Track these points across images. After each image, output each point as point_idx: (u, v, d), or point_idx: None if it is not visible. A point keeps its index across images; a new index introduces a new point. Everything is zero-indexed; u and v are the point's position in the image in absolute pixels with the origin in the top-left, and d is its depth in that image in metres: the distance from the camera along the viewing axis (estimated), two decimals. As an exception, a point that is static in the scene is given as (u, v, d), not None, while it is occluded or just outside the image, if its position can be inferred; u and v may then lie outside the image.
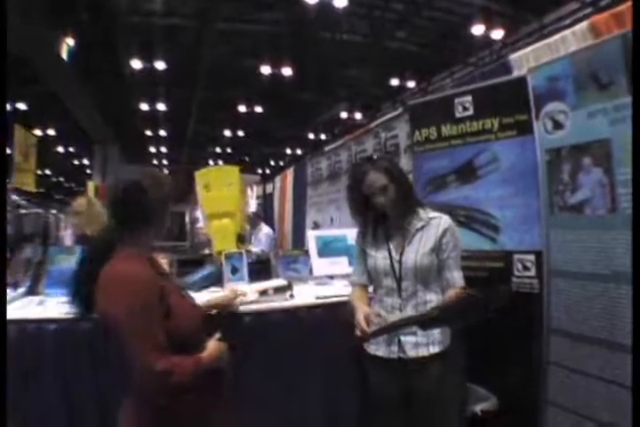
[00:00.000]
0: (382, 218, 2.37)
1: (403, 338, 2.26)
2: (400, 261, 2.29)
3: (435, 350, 2.26)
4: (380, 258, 2.34)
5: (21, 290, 3.17)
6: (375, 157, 2.56)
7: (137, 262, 1.73)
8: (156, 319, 1.61)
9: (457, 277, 2.33)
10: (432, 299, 2.29)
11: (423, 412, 2.28)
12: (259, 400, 2.68)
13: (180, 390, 1.60)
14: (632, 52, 2.05)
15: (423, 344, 2.25)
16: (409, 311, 2.26)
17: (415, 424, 2.32)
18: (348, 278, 2.57)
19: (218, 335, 1.88)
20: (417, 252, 2.28)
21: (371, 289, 2.51)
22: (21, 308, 2.81)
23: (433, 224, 2.31)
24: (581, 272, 2.57)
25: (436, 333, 2.26)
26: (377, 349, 2.35)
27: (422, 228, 2.31)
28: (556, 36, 3.61)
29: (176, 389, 1.59)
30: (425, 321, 2.03)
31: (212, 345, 1.82)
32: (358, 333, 2.13)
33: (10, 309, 2.71)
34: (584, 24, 3.43)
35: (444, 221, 2.33)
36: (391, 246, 2.34)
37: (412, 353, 2.26)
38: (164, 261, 3.13)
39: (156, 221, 1.84)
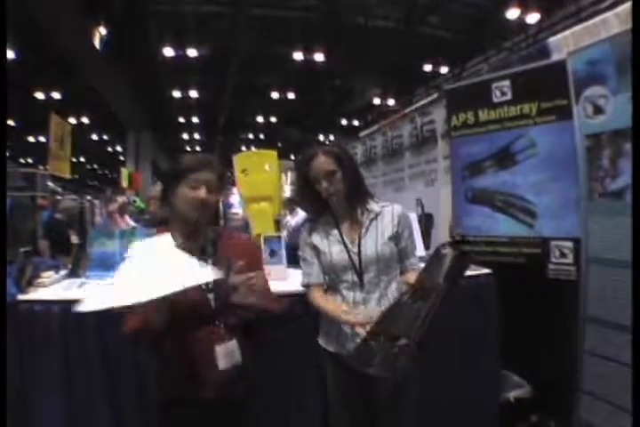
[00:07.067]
0: (325, 208, 2.24)
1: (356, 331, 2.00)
2: (359, 253, 2.16)
3: None
4: (335, 253, 2.18)
5: (63, 273, 3.22)
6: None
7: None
8: None
9: (415, 264, 2.24)
10: (394, 291, 2.17)
11: (386, 405, 2.19)
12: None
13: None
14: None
15: None
16: (373, 305, 2.13)
17: (378, 418, 2.22)
18: (301, 281, 2.29)
19: None
20: (376, 241, 2.16)
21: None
22: (66, 289, 2.84)
23: (386, 212, 2.21)
24: (620, 260, 2.51)
25: None
26: (327, 344, 2.25)
27: (376, 217, 2.20)
28: (597, 19, 3.50)
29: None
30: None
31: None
32: (361, 330, 1.89)
33: (53, 290, 2.79)
34: (627, 5, 3.33)
35: (397, 208, 2.24)
36: (345, 239, 2.19)
37: None
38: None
39: None
